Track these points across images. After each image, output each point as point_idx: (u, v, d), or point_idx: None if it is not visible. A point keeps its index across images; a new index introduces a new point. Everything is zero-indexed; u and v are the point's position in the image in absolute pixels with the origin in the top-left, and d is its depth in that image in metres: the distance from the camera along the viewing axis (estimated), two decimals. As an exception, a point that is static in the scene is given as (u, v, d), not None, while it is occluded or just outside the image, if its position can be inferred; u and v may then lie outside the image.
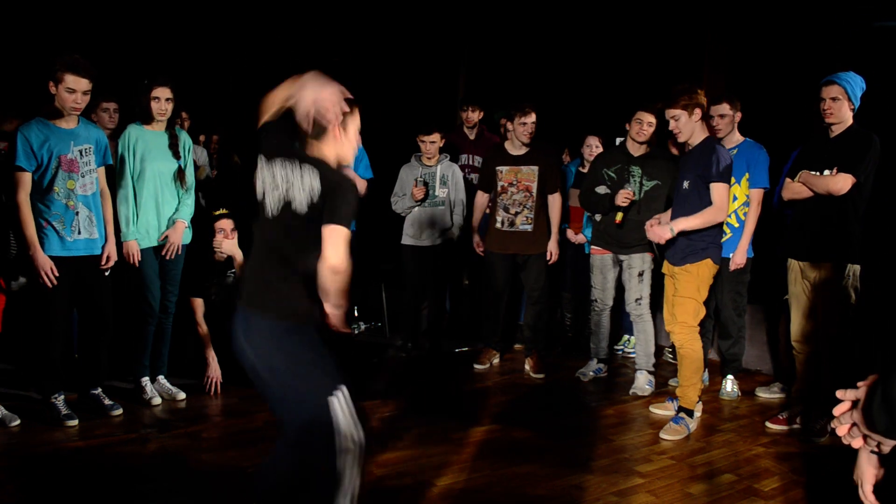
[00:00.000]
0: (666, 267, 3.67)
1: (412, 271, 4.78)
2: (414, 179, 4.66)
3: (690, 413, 3.56)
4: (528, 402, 4.09)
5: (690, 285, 3.49)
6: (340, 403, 2.03)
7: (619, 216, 4.05)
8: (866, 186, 3.35)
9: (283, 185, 2.09)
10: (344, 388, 2.05)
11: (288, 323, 2.09)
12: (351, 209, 2.06)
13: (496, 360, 4.79)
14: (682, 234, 3.48)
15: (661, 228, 3.50)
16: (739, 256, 3.95)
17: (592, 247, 4.38)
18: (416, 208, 4.69)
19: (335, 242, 2.00)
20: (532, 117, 4.36)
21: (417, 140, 4.70)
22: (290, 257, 2.12)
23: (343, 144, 2.18)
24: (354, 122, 2.20)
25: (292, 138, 2.19)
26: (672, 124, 3.50)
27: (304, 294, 2.10)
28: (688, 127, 3.47)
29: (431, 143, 4.64)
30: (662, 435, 3.48)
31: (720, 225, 3.55)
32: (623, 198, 4.00)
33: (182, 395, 3.84)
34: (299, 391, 2.06)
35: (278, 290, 2.10)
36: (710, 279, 3.54)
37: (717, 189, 3.42)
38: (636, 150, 4.16)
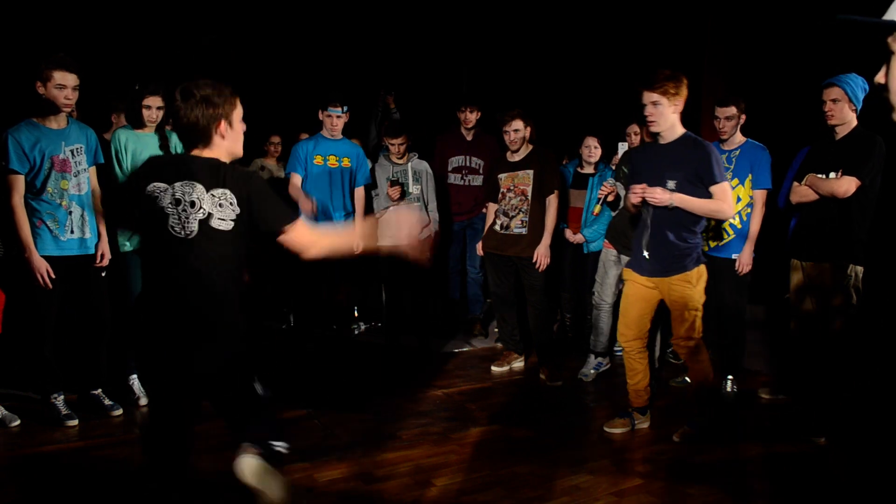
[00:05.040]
0: (642, 278, 3.34)
1: (393, 271, 4.78)
2: (386, 179, 4.69)
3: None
4: (528, 402, 4.08)
5: (695, 295, 3.25)
6: None
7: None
8: (873, 188, 3.31)
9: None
10: None
11: None
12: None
13: (517, 365, 4.69)
14: (676, 239, 3.22)
15: (662, 191, 3.14)
16: (746, 257, 3.94)
17: (605, 240, 4.36)
18: (392, 207, 4.67)
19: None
20: (514, 125, 4.28)
21: (385, 142, 4.78)
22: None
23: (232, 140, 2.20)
24: (237, 113, 2.21)
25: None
26: (649, 109, 3.16)
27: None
28: (665, 116, 3.15)
29: (401, 144, 4.71)
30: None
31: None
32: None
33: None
34: None
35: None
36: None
37: (723, 188, 3.17)
38: None
